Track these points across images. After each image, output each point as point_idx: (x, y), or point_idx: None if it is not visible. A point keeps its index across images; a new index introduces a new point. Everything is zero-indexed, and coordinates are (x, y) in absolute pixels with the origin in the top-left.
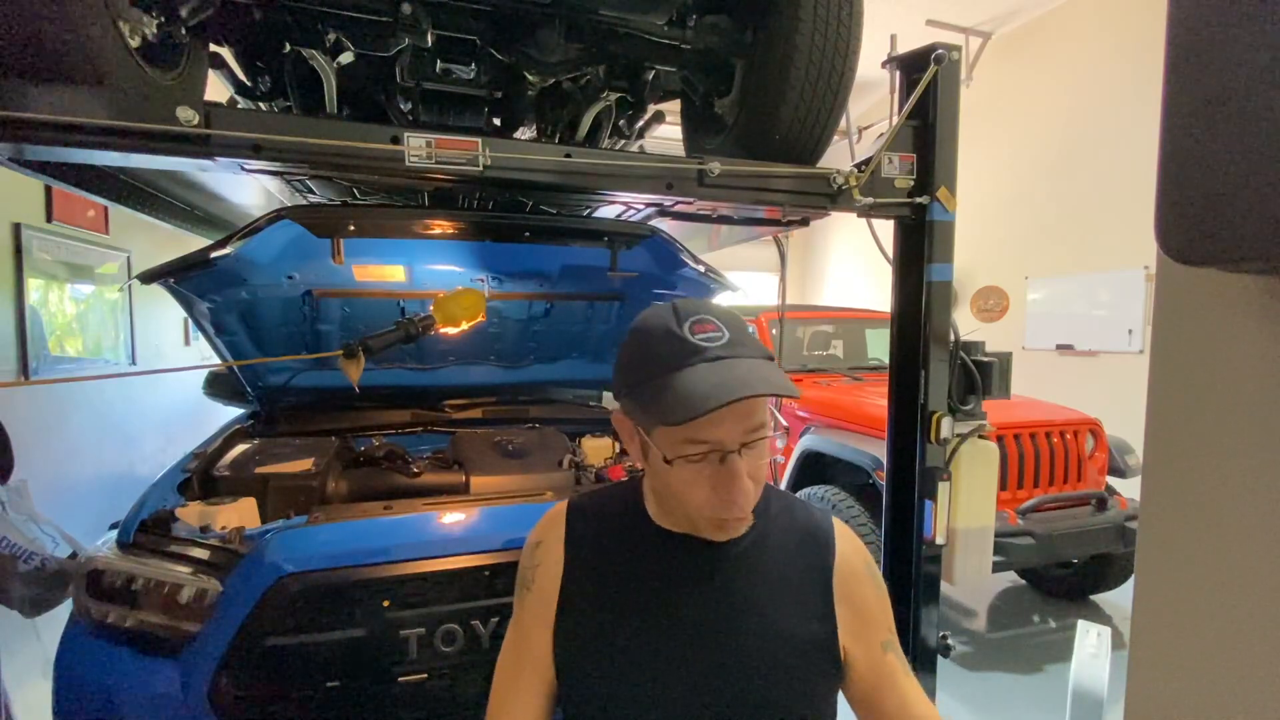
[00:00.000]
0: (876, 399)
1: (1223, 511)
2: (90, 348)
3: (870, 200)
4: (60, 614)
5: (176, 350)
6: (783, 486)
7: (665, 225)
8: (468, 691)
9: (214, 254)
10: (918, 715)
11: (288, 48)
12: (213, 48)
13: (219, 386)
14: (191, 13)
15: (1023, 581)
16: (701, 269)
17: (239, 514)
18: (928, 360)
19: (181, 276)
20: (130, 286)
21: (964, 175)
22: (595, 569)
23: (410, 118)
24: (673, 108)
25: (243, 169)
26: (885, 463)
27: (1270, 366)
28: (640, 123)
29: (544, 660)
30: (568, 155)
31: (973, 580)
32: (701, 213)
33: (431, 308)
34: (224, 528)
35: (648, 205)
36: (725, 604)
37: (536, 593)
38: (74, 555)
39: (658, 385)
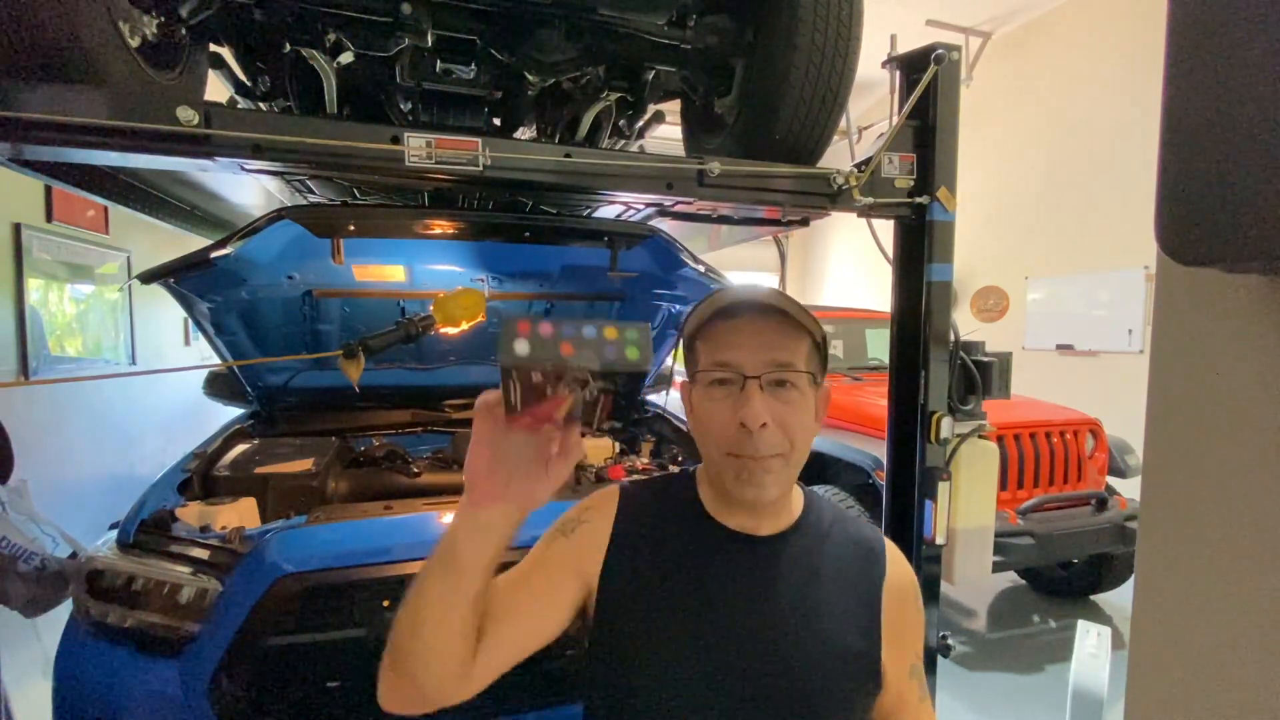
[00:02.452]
0: (876, 399)
1: (1223, 511)
2: (90, 348)
3: (870, 200)
4: (60, 614)
5: (176, 350)
6: None
7: (665, 225)
8: None
9: (214, 254)
10: None
11: (288, 48)
12: (213, 48)
13: (219, 386)
14: (191, 13)
15: (1023, 581)
16: (701, 269)
17: (239, 514)
18: (928, 360)
19: (181, 276)
20: (130, 286)
21: (964, 175)
22: (642, 552)
23: (410, 118)
24: (673, 108)
25: (243, 169)
26: (885, 463)
27: (1270, 366)
28: (640, 123)
29: (553, 588)
30: (568, 155)
31: (973, 580)
32: (701, 213)
33: (431, 308)
34: (224, 528)
35: (648, 205)
36: (774, 604)
37: (575, 543)
38: (74, 555)
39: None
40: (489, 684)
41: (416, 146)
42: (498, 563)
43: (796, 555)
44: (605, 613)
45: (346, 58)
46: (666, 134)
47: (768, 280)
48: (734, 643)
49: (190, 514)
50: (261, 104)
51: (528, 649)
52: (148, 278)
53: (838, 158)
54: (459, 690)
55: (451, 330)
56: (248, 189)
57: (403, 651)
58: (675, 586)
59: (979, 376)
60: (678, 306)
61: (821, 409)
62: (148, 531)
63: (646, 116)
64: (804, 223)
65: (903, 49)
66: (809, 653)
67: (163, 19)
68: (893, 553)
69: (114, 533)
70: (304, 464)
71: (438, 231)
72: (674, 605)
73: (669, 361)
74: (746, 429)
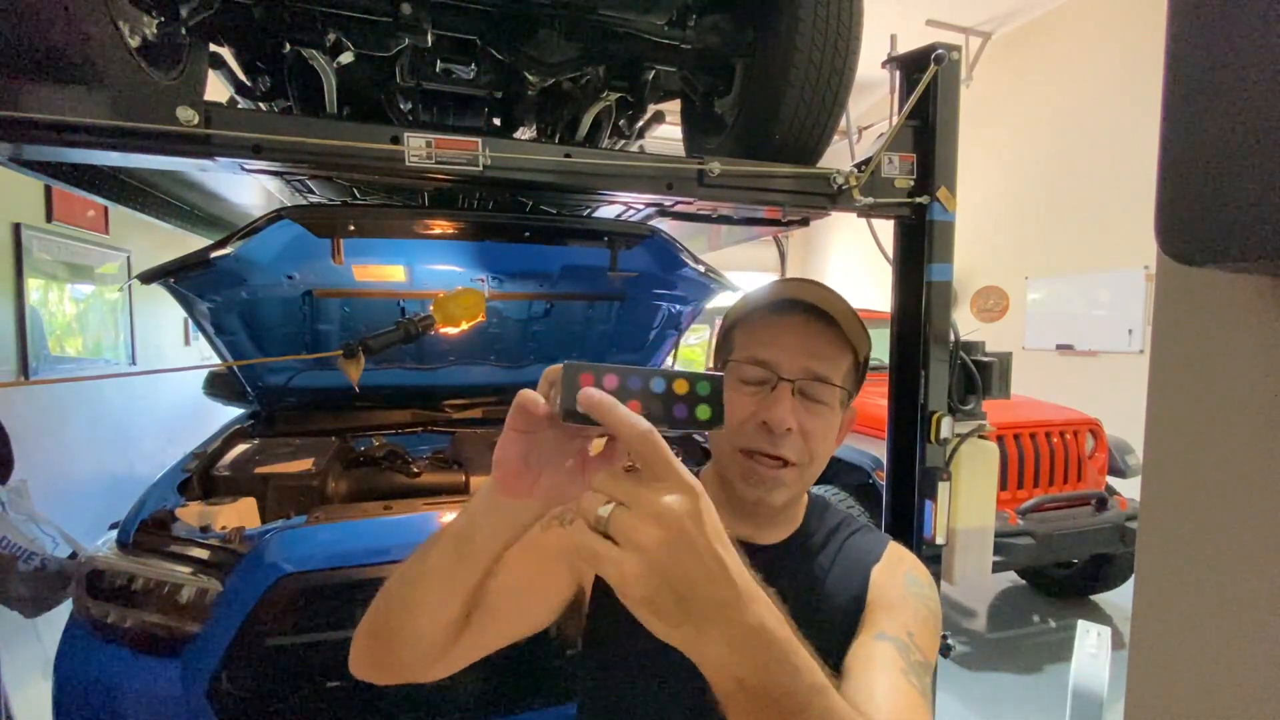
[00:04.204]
0: (876, 399)
1: (1223, 511)
2: (90, 348)
3: (870, 200)
4: (60, 614)
5: (176, 350)
6: None
7: (665, 225)
8: (467, 691)
9: (214, 254)
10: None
11: (288, 48)
12: (213, 48)
13: (219, 386)
14: (191, 13)
15: (1023, 581)
16: (701, 269)
17: (239, 514)
18: (928, 360)
19: (181, 276)
20: (130, 286)
21: (964, 175)
22: None
23: (410, 118)
24: (673, 108)
25: (243, 169)
26: (885, 463)
27: (1270, 366)
28: (640, 123)
29: (555, 565)
30: (568, 155)
31: (973, 580)
32: (701, 213)
33: (431, 308)
34: (224, 528)
35: (648, 205)
36: None
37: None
38: (74, 555)
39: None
40: (464, 666)
41: (416, 146)
42: (508, 548)
43: (795, 565)
44: (599, 616)
45: (346, 58)
46: (666, 134)
47: (768, 280)
48: None
49: (190, 514)
50: (261, 104)
51: (512, 636)
52: (148, 278)
53: (838, 158)
54: (436, 669)
55: (451, 330)
56: (248, 189)
57: (390, 625)
58: None
59: (979, 376)
60: (678, 306)
61: (845, 430)
62: (148, 531)
63: (646, 116)
64: (804, 223)
65: (903, 49)
66: None
67: (163, 19)
68: (893, 546)
69: (114, 533)
70: (304, 464)
71: (438, 231)
72: None
73: (668, 362)
74: (768, 429)
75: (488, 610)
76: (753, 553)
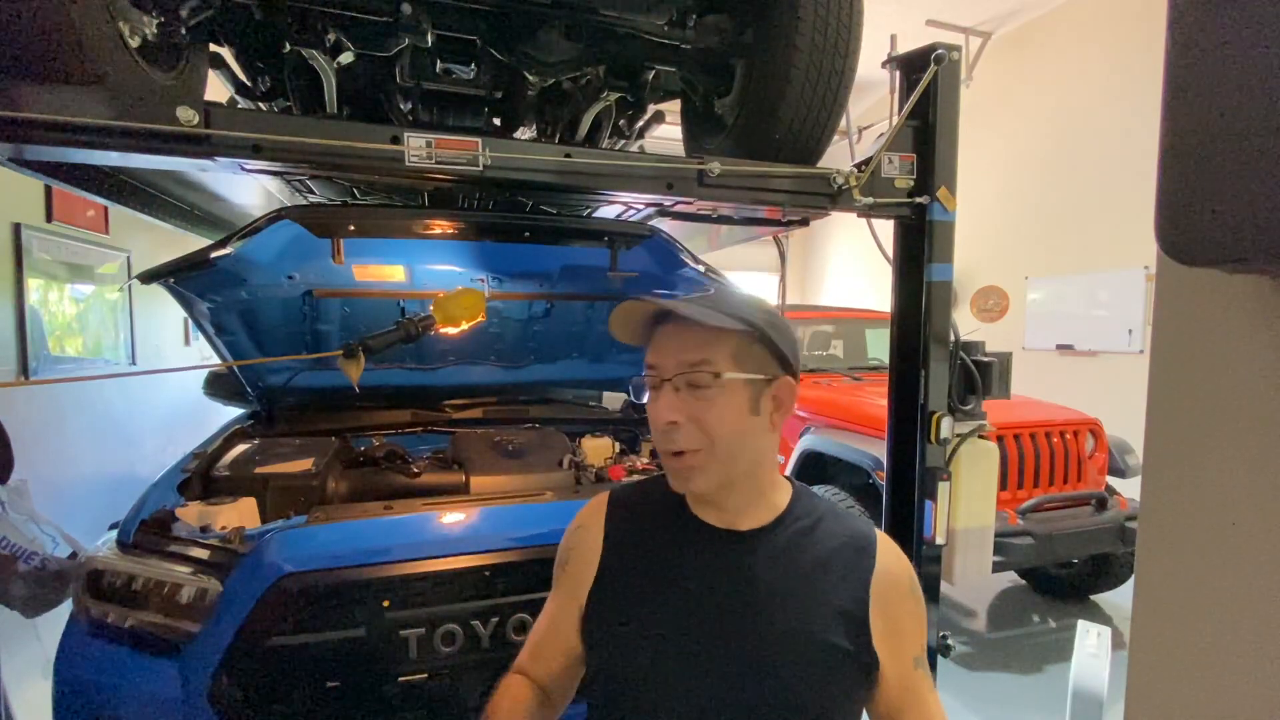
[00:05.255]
0: (876, 399)
1: (1223, 511)
2: (90, 348)
3: (870, 200)
4: (60, 614)
5: (176, 350)
6: None
7: (665, 225)
8: (468, 691)
9: (214, 254)
10: None
11: (288, 48)
12: (213, 48)
13: (219, 386)
14: (191, 13)
15: (1023, 581)
16: (701, 269)
17: (239, 514)
18: (928, 360)
19: (181, 276)
20: (130, 286)
21: (964, 175)
22: (631, 554)
23: (410, 118)
24: (673, 108)
25: (243, 169)
26: (885, 463)
27: (1270, 366)
28: (640, 123)
29: (570, 631)
30: (568, 155)
31: (973, 580)
32: (701, 213)
33: (431, 308)
34: (224, 528)
35: (648, 205)
36: (756, 599)
37: (570, 572)
38: (74, 555)
39: None
40: None
41: (416, 146)
42: None
43: (777, 549)
44: (597, 614)
45: (346, 58)
46: (666, 134)
47: (768, 280)
48: (716, 639)
49: (190, 514)
50: (261, 104)
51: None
52: (148, 278)
53: (838, 158)
54: None
55: (451, 330)
56: (248, 189)
57: None
58: (658, 581)
59: (979, 376)
60: None
61: (786, 404)
62: (148, 531)
63: (646, 116)
64: (804, 223)
65: (903, 49)
66: (791, 648)
67: (163, 19)
68: (884, 546)
69: (114, 533)
70: (304, 464)
71: (438, 231)
72: (657, 599)
73: None
74: (657, 427)
75: (556, 684)
76: (735, 537)
